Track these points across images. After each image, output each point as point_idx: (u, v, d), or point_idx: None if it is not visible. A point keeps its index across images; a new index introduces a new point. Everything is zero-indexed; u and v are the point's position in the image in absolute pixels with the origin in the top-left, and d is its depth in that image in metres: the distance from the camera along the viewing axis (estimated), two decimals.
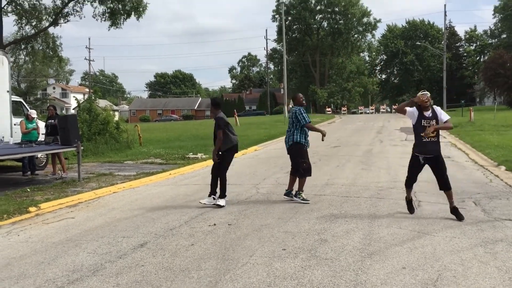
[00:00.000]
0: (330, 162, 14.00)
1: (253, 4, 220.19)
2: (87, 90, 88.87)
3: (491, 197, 8.55)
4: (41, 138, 12.86)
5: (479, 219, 6.93)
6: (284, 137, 8.91)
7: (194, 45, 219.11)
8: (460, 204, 7.85)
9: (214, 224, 6.85)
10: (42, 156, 13.71)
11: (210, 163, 15.06)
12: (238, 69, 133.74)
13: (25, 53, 32.72)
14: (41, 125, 13.27)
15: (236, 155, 8.71)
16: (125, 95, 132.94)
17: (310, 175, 8.54)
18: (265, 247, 5.64)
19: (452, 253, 5.33)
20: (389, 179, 10.83)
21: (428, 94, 6.98)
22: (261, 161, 15.37)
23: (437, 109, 7.07)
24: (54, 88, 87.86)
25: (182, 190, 10.17)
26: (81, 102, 19.35)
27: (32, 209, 8.21)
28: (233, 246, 5.70)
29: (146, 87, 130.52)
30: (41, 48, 26.36)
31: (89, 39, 79.26)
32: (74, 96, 23.16)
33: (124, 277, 4.71)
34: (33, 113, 13.01)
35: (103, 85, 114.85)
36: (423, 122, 6.92)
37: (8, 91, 12.76)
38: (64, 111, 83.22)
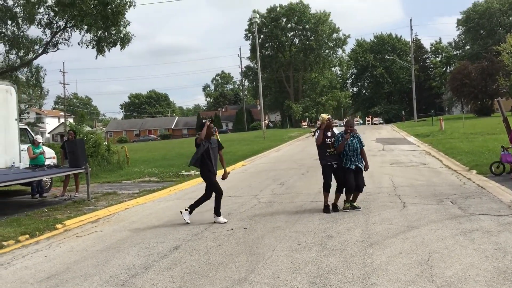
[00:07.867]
0: (317, 173, 15.03)
1: (215, 25, 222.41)
2: (62, 113, 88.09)
3: (466, 197, 9.80)
4: (47, 162, 13.63)
5: (457, 214, 8.12)
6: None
7: (162, 65, 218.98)
8: (439, 204, 9.10)
9: (232, 229, 7.85)
10: (47, 180, 14.44)
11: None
12: (212, 87, 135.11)
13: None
14: (46, 149, 14.03)
15: (227, 169, 9.33)
16: (99, 117, 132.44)
17: None
18: (283, 244, 6.69)
19: (438, 241, 6.47)
20: (374, 185, 12.00)
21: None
22: (252, 175, 16.39)
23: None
24: (28, 113, 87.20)
25: (188, 204, 11.07)
26: (66, 125, 20.05)
27: (58, 226, 9.06)
28: (255, 244, 6.73)
29: (121, 108, 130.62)
30: (25, 77, 26.90)
31: (63, 63, 79.18)
32: (67, 120, 23.75)
33: (174, 271, 5.67)
34: (39, 138, 13.81)
35: (77, 108, 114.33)
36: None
37: (16, 119, 13.51)
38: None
